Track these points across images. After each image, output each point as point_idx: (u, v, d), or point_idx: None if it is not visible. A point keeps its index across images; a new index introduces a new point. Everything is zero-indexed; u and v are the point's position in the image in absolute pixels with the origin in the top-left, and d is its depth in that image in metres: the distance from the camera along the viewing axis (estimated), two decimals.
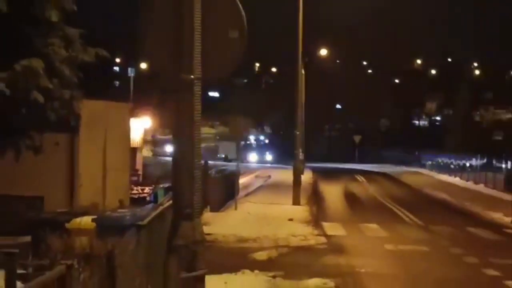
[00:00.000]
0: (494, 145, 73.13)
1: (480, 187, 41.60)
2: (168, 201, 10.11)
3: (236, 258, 15.74)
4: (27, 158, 15.39)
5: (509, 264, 15.90)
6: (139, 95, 62.72)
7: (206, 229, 12.66)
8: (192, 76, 5.90)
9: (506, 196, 35.21)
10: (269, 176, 46.82)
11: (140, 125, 34.73)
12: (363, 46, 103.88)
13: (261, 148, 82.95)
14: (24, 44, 13.62)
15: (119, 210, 15.35)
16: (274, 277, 13.58)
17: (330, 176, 51.06)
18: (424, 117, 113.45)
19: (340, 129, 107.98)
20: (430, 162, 62.93)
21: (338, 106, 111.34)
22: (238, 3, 6.16)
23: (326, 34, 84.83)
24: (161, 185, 26.70)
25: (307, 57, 54.69)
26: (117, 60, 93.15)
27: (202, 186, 6.05)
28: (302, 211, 26.34)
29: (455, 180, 48.69)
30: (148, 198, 25.73)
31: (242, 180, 35.95)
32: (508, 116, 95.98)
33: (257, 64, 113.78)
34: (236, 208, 25.86)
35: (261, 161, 75.72)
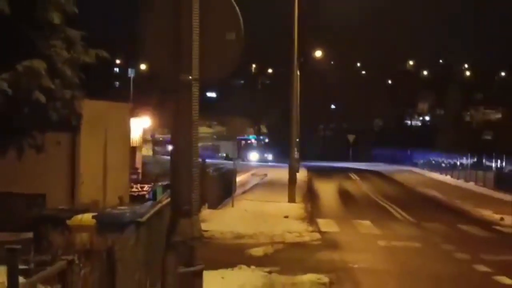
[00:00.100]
0: (484, 144, 73.21)
1: (471, 185, 41.67)
2: (166, 198, 10.11)
3: (233, 254, 15.74)
4: (30, 157, 15.37)
5: (499, 260, 15.94)
6: (138, 95, 62.73)
7: (203, 226, 12.67)
8: (190, 77, 5.91)
9: (495, 194, 35.30)
10: (265, 175, 46.80)
11: (140, 125, 34.73)
12: (357, 48, 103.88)
13: (261, 147, 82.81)
14: (26, 45, 13.60)
15: (119, 207, 15.33)
16: (270, 272, 13.59)
17: (324, 174, 51.05)
18: (416, 117, 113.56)
19: (334, 129, 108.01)
20: (422, 161, 62.95)
21: (332, 106, 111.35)
22: (235, 6, 6.17)
23: (321, 35, 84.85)
24: (160, 183, 26.68)
25: (302, 58, 54.78)
26: (117, 61, 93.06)
27: (200, 184, 6.06)
28: (297, 208, 26.36)
29: (446, 178, 48.74)
30: (147, 196, 25.70)
31: (239, 178, 35.91)
32: (498, 116, 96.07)
33: (254, 65, 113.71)
34: (233, 206, 25.86)
35: (262, 160, 75.60)
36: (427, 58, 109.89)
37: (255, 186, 37.72)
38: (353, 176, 50.77)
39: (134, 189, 26.28)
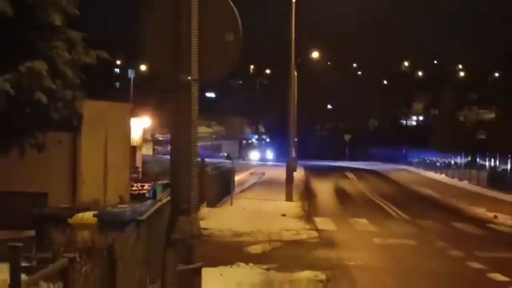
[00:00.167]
0: (478, 144, 73.19)
1: (465, 184, 41.70)
2: (166, 197, 10.10)
3: (231, 252, 15.74)
4: (31, 156, 15.37)
5: (492, 257, 15.96)
6: (139, 96, 62.70)
7: (202, 224, 12.67)
8: (189, 78, 5.91)
9: (489, 193, 35.32)
10: (263, 173, 46.80)
11: (140, 125, 34.73)
12: (353, 49, 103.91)
13: (262, 146, 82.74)
14: (28, 46, 13.60)
15: (120, 206, 15.31)
16: (267, 269, 13.59)
17: (321, 173, 51.06)
18: (411, 117, 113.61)
19: (331, 128, 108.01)
20: (417, 160, 62.97)
21: (329, 106, 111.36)
22: (234, 8, 6.17)
23: (318, 36, 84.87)
24: (160, 182, 26.65)
25: (299, 59, 54.75)
26: (118, 62, 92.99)
27: (199, 183, 6.06)
28: (294, 206, 26.37)
29: (441, 177, 48.78)
30: (147, 194, 25.67)
31: (237, 177, 35.92)
32: (491, 116, 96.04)
33: (252, 66, 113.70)
34: (231, 204, 25.87)
35: (263, 159, 75.55)
36: (422, 59, 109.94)
37: (254, 185, 37.72)
38: (350, 175, 50.78)
39: (134, 188, 26.27)
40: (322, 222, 22.10)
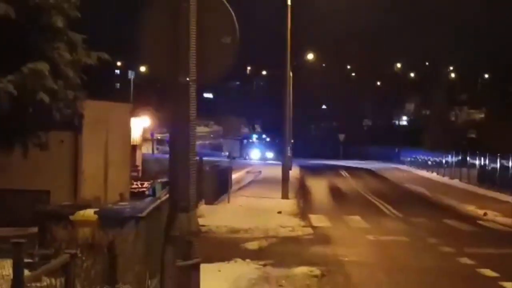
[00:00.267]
0: (468, 143, 73.25)
1: (456, 182, 41.71)
2: (165, 194, 10.10)
3: (228, 248, 15.74)
4: (34, 155, 15.38)
5: (482, 253, 15.98)
6: (138, 96, 62.67)
7: (200, 221, 12.65)
8: (188, 79, 5.91)
9: (479, 190, 35.35)
10: (260, 172, 46.77)
11: (140, 124, 34.74)
12: (347, 52, 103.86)
13: (262, 146, 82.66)
14: (31, 48, 13.60)
15: (120, 203, 15.33)
16: (264, 265, 13.60)
17: (316, 172, 51.05)
18: (403, 117, 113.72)
19: (325, 128, 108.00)
20: (409, 159, 62.97)
21: (324, 106, 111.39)
22: (231, 11, 6.18)
23: (313, 39, 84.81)
24: (159, 180, 26.66)
25: (295, 61, 54.74)
26: (118, 63, 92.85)
27: (197, 181, 6.06)
28: (290, 204, 26.36)
29: (432, 175, 48.80)
30: (147, 192, 25.67)
31: (234, 176, 35.87)
32: (481, 116, 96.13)
33: (249, 68, 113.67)
34: (229, 201, 25.86)
35: (263, 158, 75.48)
36: (414, 60, 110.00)
37: (250, 183, 37.70)
38: (344, 173, 50.77)
39: (134, 186, 26.29)
40: (317, 219, 22.10)
